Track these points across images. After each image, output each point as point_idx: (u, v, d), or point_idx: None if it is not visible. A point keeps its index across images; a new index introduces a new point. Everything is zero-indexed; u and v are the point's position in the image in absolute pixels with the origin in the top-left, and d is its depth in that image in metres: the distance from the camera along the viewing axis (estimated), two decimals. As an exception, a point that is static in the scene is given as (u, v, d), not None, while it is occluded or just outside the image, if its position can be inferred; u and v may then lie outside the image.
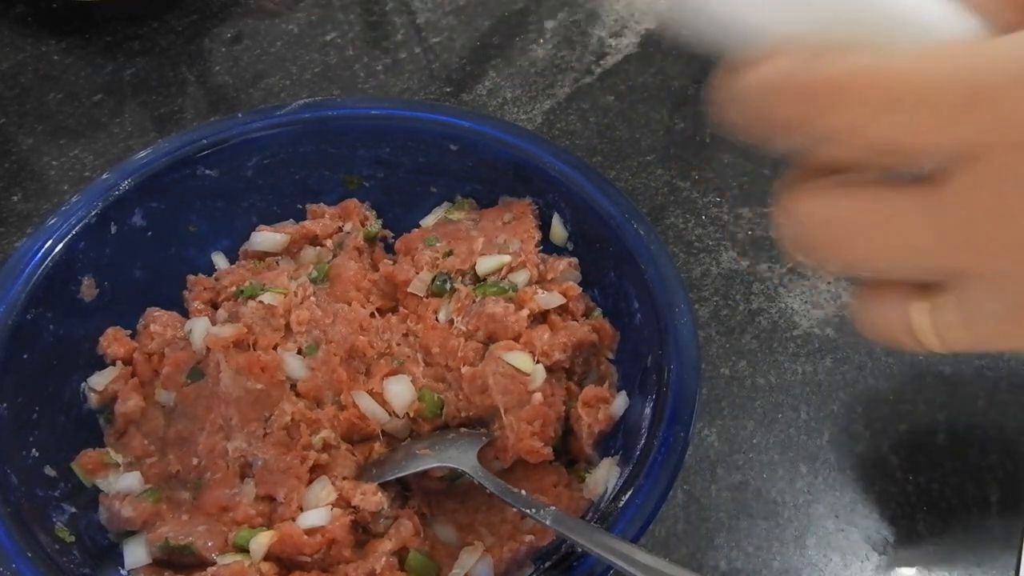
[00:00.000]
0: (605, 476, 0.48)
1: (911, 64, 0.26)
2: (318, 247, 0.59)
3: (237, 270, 0.58)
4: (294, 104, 0.58)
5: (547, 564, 0.44)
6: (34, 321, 0.50)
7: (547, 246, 0.57)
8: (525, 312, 0.52)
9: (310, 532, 0.46)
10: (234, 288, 0.55)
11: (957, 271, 0.28)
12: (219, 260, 0.59)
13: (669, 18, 0.30)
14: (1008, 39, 0.25)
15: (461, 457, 0.48)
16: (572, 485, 0.49)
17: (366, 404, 0.50)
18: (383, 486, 0.48)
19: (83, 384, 0.52)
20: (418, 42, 0.82)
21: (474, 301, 0.53)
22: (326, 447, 0.49)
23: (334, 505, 0.47)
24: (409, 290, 0.56)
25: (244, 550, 0.46)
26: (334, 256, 0.58)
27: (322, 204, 0.60)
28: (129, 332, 0.55)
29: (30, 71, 0.79)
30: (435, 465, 0.48)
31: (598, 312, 0.55)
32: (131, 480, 0.49)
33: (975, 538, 0.54)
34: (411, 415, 0.51)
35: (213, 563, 0.45)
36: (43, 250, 0.51)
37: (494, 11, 0.84)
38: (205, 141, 0.56)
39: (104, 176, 0.54)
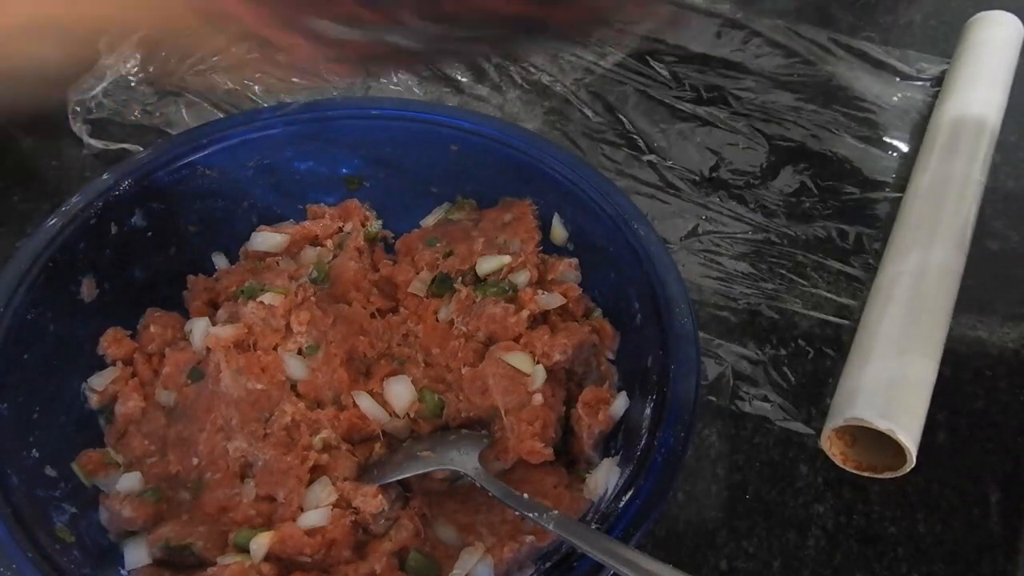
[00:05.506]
0: (605, 476, 0.48)
1: None
2: (318, 247, 0.59)
3: (237, 270, 0.58)
4: (294, 104, 0.58)
5: (547, 564, 0.44)
6: (34, 321, 0.50)
7: (547, 246, 0.57)
8: (525, 313, 0.52)
9: (310, 532, 0.46)
10: (234, 288, 0.55)
11: None
12: (219, 260, 0.59)
13: None
14: None
15: (463, 460, 0.48)
16: (572, 486, 0.49)
17: (366, 404, 0.50)
18: (384, 487, 0.48)
19: (83, 384, 0.52)
20: (418, 42, 0.81)
21: (474, 302, 0.53)
22: (326, 447, 0.49)
23: (334, 506, 0.47)
24: (409, 290, 0.56)
25: (244, 550, 0.45)
26: (334, 256, 0.58)
27: (322, 204, 0.60)
28: (129, 332, 0.54)
29: (30, 71, 0.79)
30: (436, 468, 0.48)
31: (598, 312, 0.55)
32: (131, 480, 0.49)
33: (975, 538, 0.54)
34: (411, 416, 0.51)
35: (213, 563, 0.45)
36: (43, 250, 0.51)
37: (494, 11, 0.84)
38: (205, 141, 0.56)
39: (104, 176, 0.54)
